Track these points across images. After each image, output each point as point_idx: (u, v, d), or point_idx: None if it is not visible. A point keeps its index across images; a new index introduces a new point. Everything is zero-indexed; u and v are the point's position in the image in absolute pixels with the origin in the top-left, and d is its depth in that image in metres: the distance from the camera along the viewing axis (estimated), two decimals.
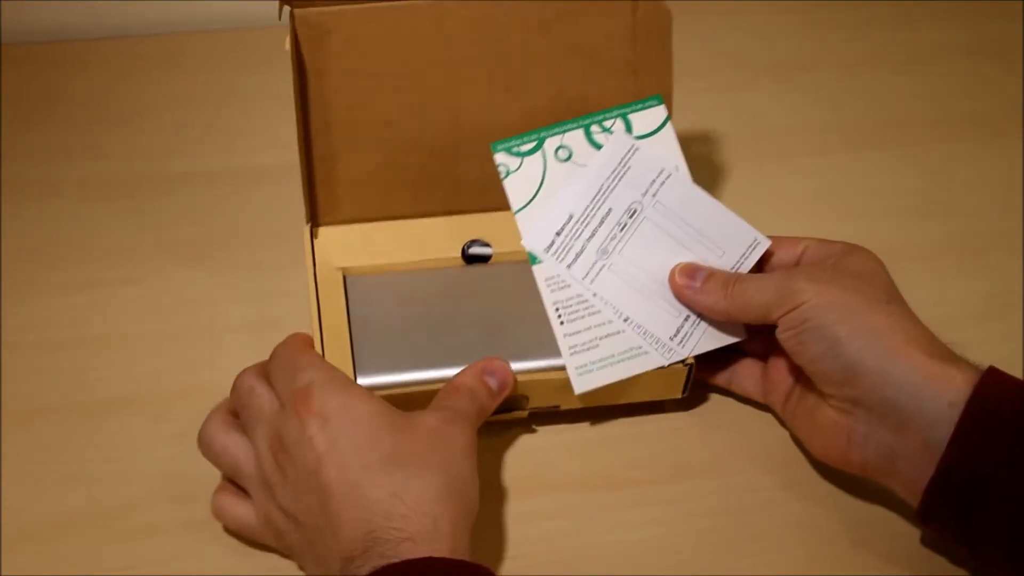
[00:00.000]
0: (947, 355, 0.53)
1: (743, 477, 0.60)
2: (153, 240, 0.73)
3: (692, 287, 0.59)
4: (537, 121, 0.64)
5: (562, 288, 0.60)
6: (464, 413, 0.55)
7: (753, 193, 0.77)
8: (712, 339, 0.60)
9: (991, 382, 0.51)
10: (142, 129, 0.82)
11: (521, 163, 0.62)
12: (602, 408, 0.61)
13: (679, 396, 0.61)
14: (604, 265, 0.60)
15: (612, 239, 0.60)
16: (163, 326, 0.67)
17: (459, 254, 0.64)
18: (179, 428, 0.60)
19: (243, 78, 0.86)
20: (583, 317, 0.60)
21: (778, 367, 0.60)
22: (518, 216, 0.61)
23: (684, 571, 0.55)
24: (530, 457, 0.61)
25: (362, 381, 0.58)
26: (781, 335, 0.55)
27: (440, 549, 0.48)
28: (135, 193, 0.77)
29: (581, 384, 0.58)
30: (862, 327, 0.53)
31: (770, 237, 0.61)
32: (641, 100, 0.63)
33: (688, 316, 0.60)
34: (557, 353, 0.59)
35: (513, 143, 0.62)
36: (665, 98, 0.65)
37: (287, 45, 0.62)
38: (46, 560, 0.55)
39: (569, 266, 0.60)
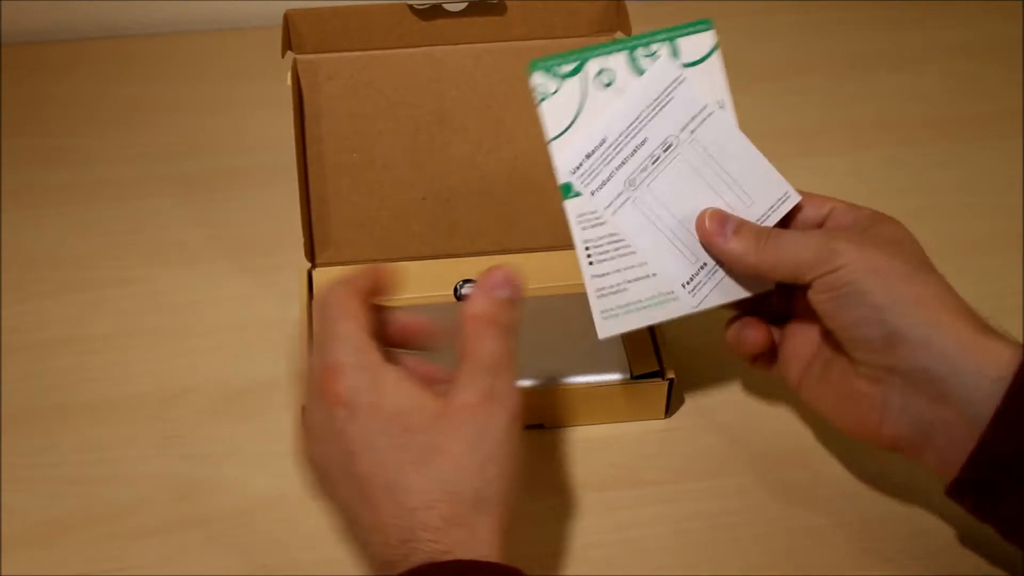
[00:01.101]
0: (989, 328, 0.52)
1: (740, 478, 0.60)
2: (150, 241, 0.74)
3: (722, 234, 0.56)
4: (526, 165, 0.66)
5: (594, 226, 0.56)
6: (499, 366, 0.50)
7: None
8: (725, 293, 0.57)
9: None
10: (139, 129, 0.83)
11: (559, 86, 0.56)
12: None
13: (661, 417, 0.63)
14: (629, 198, 0.56)
15: (642, 171, 0.56)
16: (158, 327, 0.69)
17: (451, 293, 0.66)
18: (176, 429, 0.62)
19: (239, 78, 0.87)
20: (613, 259, 0.56)
21: (797, 334, 0.58)
22: (552, 144, 0.56)
23: (683, 571, 0.56)
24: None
25: None
26: (816, 296, 0.53)
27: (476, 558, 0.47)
28: (130, 194, 0.78)
29: (605, 328, 0.56)
30: (904, 294, 0.51)
31: (800, 192, 0.58)
32: (690, 23, 0.57)
33: (704, 265, 0.57)
34: (541, 375, 0.61)
35: (553, 62, 0.55)
36: None
37: (288, 81, 0.64)
38: (43, 562, 0.57)
39: (593, 192, 0.56)
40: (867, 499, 0.59)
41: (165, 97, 0.86)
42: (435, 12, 0.65)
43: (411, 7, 0.64)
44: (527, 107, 0.66)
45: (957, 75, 0.89)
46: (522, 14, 0.65)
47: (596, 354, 0.62)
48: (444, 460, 0.47)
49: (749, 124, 0.84)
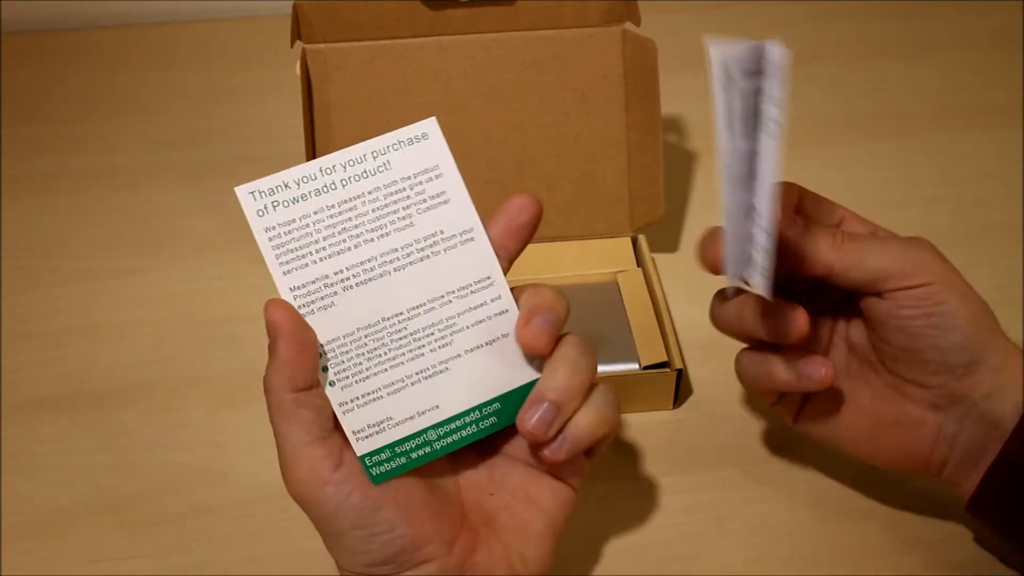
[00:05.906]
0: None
1: (749, 469, 0.60)
2: (157, 230, 0.74)
3: (794, 226, 0.50)
4: (536, 155, 0.65)
5: None
6: None
7: None
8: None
9: None
10: (147, 118, 0.83)
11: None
12: None
13: (670, 408, 0.63)
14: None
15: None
16: (166, 316, 0.69)
17: None
18: (183, 418, 0.62)
19: (248, 67, 0.87)
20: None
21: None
22: None
23: (690, 563, 0.56)
24: None
25: None
26: (899, 311, 0.49)
27: None
28: (138, 183, 0.78)
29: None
30: (982, 322, 0.49)
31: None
32: None
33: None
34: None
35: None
36: (654, 126, 0.66)
37: (297, 70, 0.64)
38: (51, 550, 0.57)
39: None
40: (876, 490, 0.59)
41: (173, 86, 0.86)
42: (444, 2, 0.65)
43: None
44: (536, 97, 0.67)
45: (969, 64, 0.89)
46: (531, 4, 0.65)
47: (604, 344, 0.62)
48: None
49: None
